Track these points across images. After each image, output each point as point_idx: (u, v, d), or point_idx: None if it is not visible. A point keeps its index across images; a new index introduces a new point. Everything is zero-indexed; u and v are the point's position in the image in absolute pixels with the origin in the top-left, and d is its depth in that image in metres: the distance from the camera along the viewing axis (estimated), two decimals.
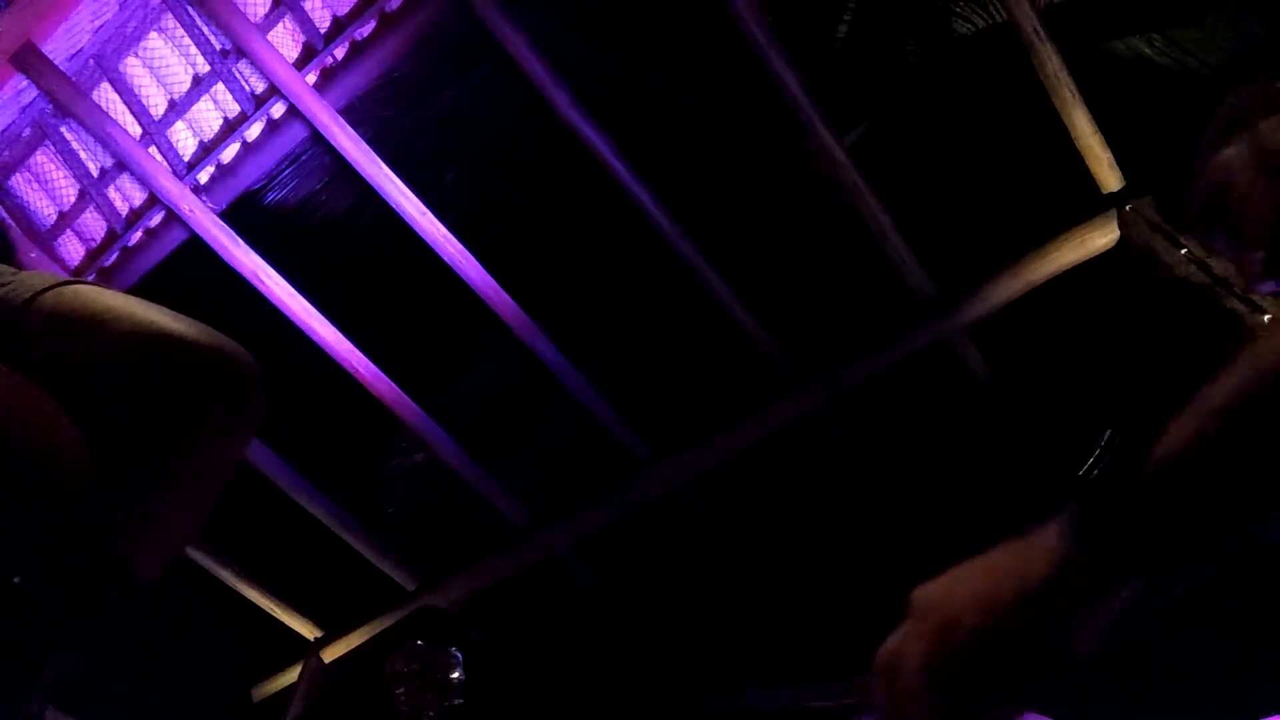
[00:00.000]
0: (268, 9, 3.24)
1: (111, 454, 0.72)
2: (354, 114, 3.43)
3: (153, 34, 3.27)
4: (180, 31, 3.25)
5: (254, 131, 3.37)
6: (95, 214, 3.49)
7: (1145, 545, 0.65)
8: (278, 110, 3.31)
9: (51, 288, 0.79)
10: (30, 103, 3.25)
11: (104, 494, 0.72)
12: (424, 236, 3.46)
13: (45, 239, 3.50)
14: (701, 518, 4.06)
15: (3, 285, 0.79)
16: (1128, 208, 3.06)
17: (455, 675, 2.47)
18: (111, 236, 3.50)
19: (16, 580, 0.65)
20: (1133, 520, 0.65)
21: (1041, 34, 2.90)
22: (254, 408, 0.80)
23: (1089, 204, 3.17)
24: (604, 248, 4.17)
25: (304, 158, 3.76)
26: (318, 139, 3.39)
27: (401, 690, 2.41)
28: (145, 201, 3.45)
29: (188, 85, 3.34)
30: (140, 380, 0.75)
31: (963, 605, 0.69)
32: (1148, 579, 0.67)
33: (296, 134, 3.37)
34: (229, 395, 0.78)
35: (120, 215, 3.48)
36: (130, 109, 3.33)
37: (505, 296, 3.57)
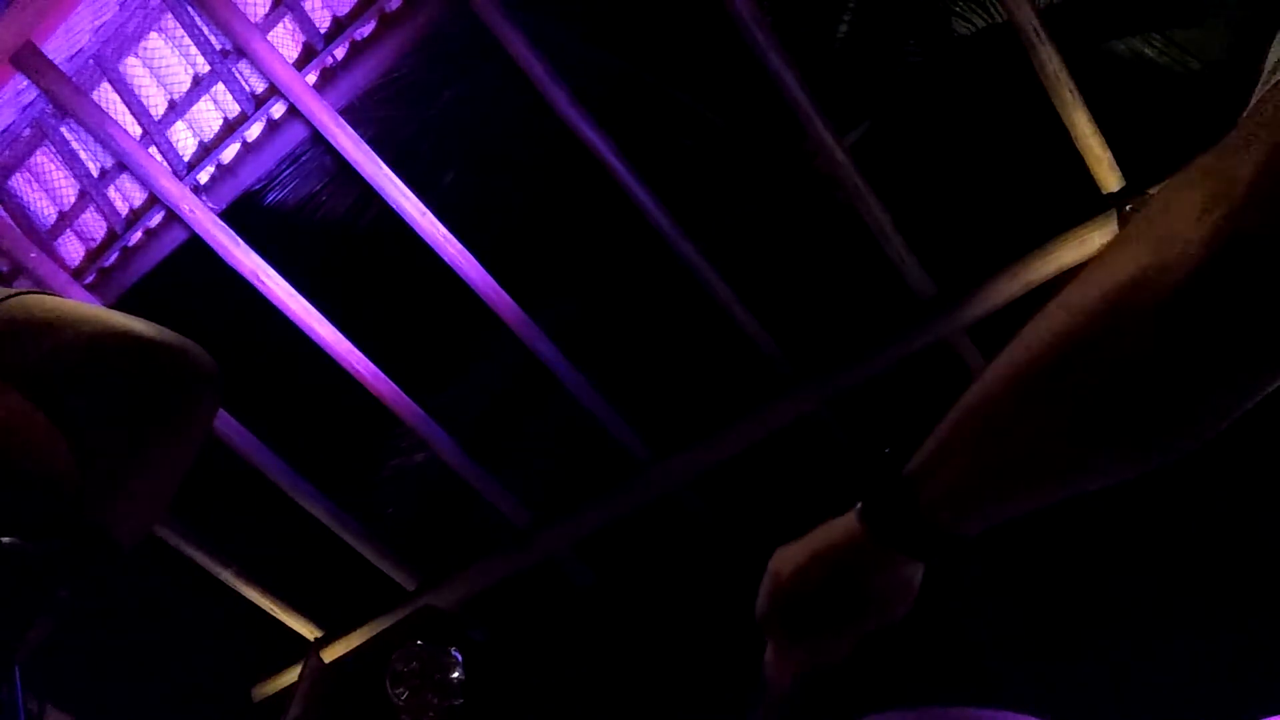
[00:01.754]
0: (268, 9, 3.24)
1: (81, 441, 0.77)
2: (354, 114, 3.43)
3: (153, 34, 3.27)
4: (180, 31, 3.25)
5: (254, 131, 3.37)
6: (95, 214, 3.49)
7: (911, 536, 0.76)
8: (278, 110, 3.31)
9: (9, 298, 0.82)
10: (30, 103, 3.25)
11: (79, 472, 0.75)
12: (424, 237, 3.47)
13: (45, 239, 3.50)
14: (701, 518, 4.06)
15: None
16: (1128, 208, 3.06)
17: (455, 675, 2.47)
18: (111, 236, 3.50)
19: (6, 540, 0.68)
20: (898, 513, 0.76)
21: (1041, 34, 2.90)
22: (209, 402, 0.85)
23: (1089, 204, 3.17)
24: (604, 248, 4.17)
25: (304, 158, 3.76)
26: (318, 139, 3.39)
27: (402, 690, 2.41)
28: (145, 201, 3.45)
29: (188, 85, 3.33)
30: (104, 375, 0.79)
31: (783, 566, 0.85)
32: (928, 562, 0.79)
33: (296, 134, 3.36)
34: (187, 390, 0.83)
35: (120, 215, 3.47)
36: (130, 109, 3.33)
37: (505, 296, 3.57)
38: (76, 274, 3.52)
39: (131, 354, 0.79)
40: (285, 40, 3.25)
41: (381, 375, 3.74)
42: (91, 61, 3.26)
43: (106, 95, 3.31)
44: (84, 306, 0.85)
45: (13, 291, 0.84)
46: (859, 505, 0.80)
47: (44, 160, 3.42)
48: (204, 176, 3.42)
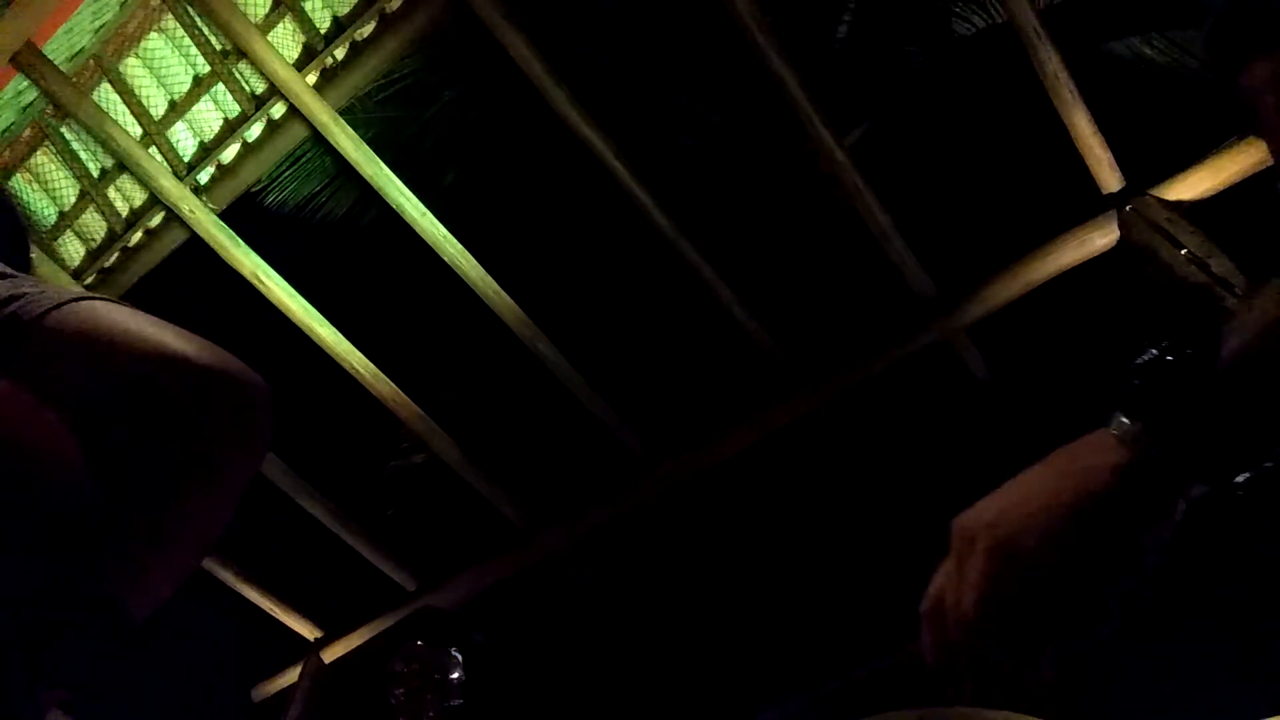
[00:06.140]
0: (268, 9, 3.24)
1: (114, 478, 0.70)
2: (354, 114, 3.43)
3: (153, 34, 3.27)
4: (180, 31, 3.25)
5: (254, 132, 3.37)
6: (95, 214, 3.49)
7: (1216, 445, 0.64)
8: (278, 110, 3.31)
9: (66, 303, 0.76)
10: (30, 103, 3.25)
11: (102, 519, 0.69)
12: (424, 237, 3.47)
13: (45, 239, 3.50)
14: (701, 518, 4.06)
15: (20, 297, 0.77)
16: (1128, 208, 3.06)
17: (455, 675, 2.47)
18: (111, 237, 3.50)
19: None
20: (1203, 419, 0.64)
21: (1041, 34, 2.90)
22: (261, 434, 0.78)
23: (1089, 204, 3.17)
24: (604, 248, 4.17)
25: (304, 158, 3.76)
26: (318, 139, 3.39)
27: (401, 690, 2.41)
28: (145, 201, 3.45)
29: (188, 85, 3.33)
30: (143, 404, 0.72)
31: (1018, 526, 0.66)
32: (1211, 485, 0.66)
33: (296, 135, 3.37)
34: (237, 420, 0.75)
35: (120, 215, 3.48)
36: (130, 109, 3.33)
37: (505, 296, 3.57)
38: (76, 274, 3.52)
39: (177, 382, 0.72)
40: (285, 40, 3.25)
41: (382, 375, 3.74)
42: (91, 61, 3.27)
43: (106, 95, 3.31)
44: (141, 321, 0.76)
45: (72, 295, 0.77)
46: (1128, 426, 0.65)
47: (44, 160, 3.42)
48: (204, 177, 3.42)
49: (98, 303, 0.78)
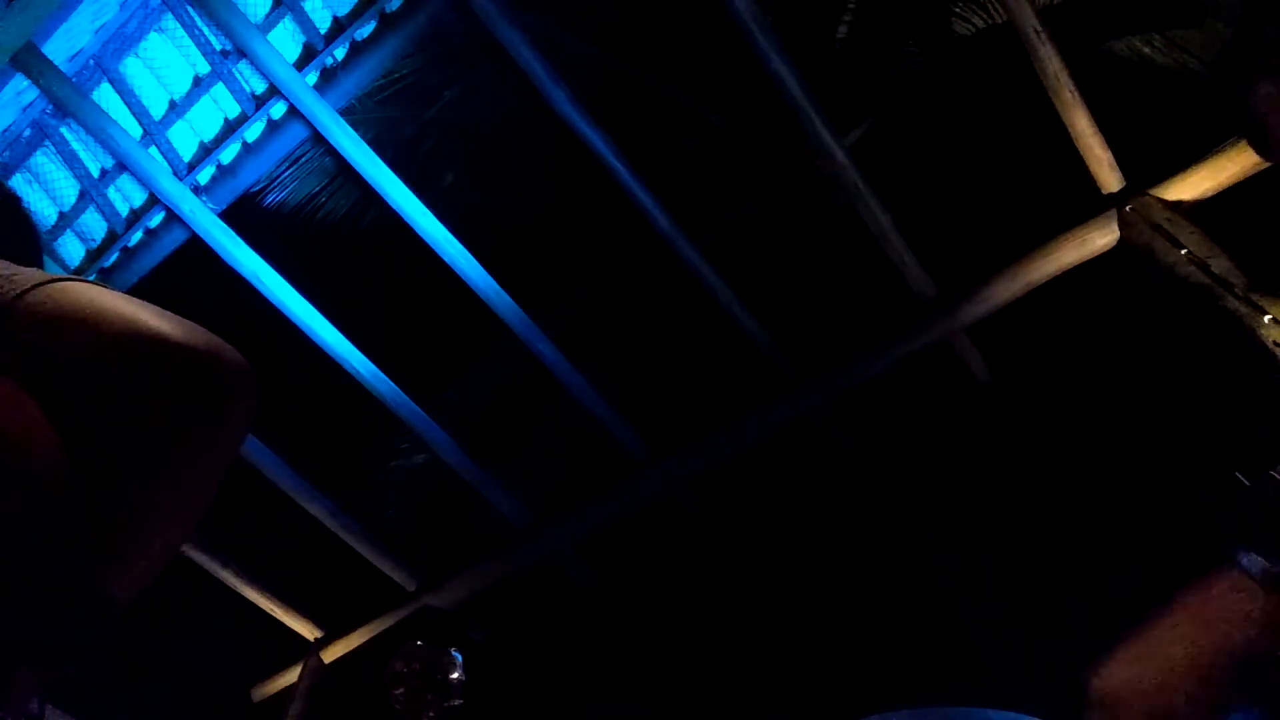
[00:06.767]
0: (268, 9, 3.24)
1: (94, 461, 0.69)
2: (354, 114, 3.43)
3: (153, 34, 3.27)
4: (180, 32, 3.25)
5: (254, 132, 3.37)
6: (95, 214, 3.50)
7: None
8: (278, 111, 3.31)
9: (43, 284, 0.75)
10: (30, 103, 3.25)
11: (80, 504, 0.68)
12: (424, 237, 3.46)
13: (45, 239, 3.49)
14: (701, 518, 4.06)
15: None
16: (1128, 208, 3.06)
17: (455, 675, 2.47)
18: (111, 237, 3.50)
19: None
20: None
21: (1041, 34, 2.90)
22: (242, 413, 0.76)
23: (1089, 204, 3.17)
24: (604, 248, 4.17)
25: (304, 158, 3.76)
26: (318, 140, 3.39)
27: (401, 690, 2.41)
28: (145, 202, 3.45)
29: (188, 85, 3.34)
30: (124, 383, 0.71)
31: (1164, 691, 0.69)
32: None
33: (296, 134, 3.37)
34: (217, 400, 0.74)
35: (120, 215, 3.48)
36: (130, 109, 3.33)
37: (505, 297, 3.57)
38: (77, 274, 3.52)
39: (155, 361, 0.71)
40: (285, 40, 3.25)
41: (381, 375, 3.74)
42: (92, 62, 3.26)
43: (107, 96, 3.32)
44: (118, 301, 0.75)
45: (49, 277, 0.76)
46: (1267, 568, 0.67)
47: (44, 160, 3.42)
48: (204, 177, 3.42)
49: (74, 283, 0.77)
